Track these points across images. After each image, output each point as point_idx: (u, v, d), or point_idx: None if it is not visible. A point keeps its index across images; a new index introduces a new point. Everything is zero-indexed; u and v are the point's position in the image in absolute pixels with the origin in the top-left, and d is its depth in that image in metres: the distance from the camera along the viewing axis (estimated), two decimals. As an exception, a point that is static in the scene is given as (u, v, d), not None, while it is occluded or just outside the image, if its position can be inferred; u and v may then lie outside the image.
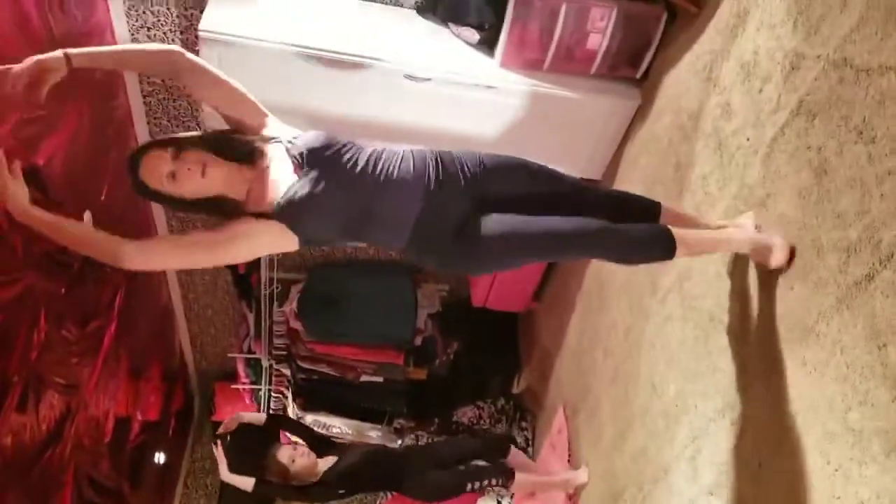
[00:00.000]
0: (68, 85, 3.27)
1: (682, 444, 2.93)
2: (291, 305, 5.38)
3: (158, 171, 2.10)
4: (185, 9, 3.80)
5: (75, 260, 3.37)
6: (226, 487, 6.77)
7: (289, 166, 2.26)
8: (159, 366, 5.66)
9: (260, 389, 5.88)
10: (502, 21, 3.51)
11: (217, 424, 4.14)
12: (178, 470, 6.88)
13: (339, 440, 4.00)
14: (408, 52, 3.58)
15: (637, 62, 3.63)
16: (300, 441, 3.96)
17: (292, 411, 5.59)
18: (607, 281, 3.99)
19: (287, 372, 5.67)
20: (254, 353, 5.76)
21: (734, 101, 2.80)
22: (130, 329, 4.61)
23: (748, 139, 2.66)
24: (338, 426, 5.56)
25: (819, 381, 2.14)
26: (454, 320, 5.72)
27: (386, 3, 3.90)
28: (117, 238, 2.12)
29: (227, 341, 6.38)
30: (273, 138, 2.30)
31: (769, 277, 2.44)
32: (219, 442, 3.78)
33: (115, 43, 3.82)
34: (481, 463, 4.16)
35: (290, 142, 2.29)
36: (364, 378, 5.54)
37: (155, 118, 4.35)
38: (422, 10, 3.87)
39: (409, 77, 3.53)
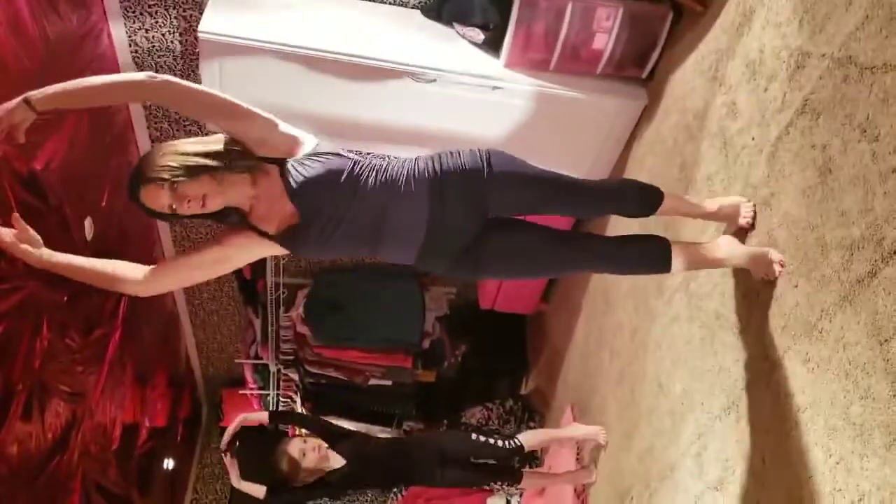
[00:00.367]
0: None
1: (689, 442, 2.94)
2: (298, 310, 5.37)
3: (159, 202, 2.08)
4: (184, 10, 3.76)
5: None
6: (235, 494, 6.81)
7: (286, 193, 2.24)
8: (166, 372, 5.67)
9: (268, 395, 5.88)
10: (507, 21, 3.49)
11: (225, 430, 4.15)
12: (187, 476, 6.89)
13: (348, 430, 3.94)
14: (412, 52, 3.55)
15: (643, 62, 3.61)
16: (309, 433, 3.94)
17: (301, 416, 5.59)
18: (614, 283, 3.98)
19: (295, 376, 5.68)
20: (261, 358, 5.76)
21: (740, 101, 2.78)
22: (135, 336, 4.61)
23: (753, 138, 2.65)
24: (347, 430, 5.56)
25: (822, 377, 2.16)
26: (462, 323, 5.73)
27: (389, 3, 3.87)
28: (130, 269, 2.21)
29: (234, 347, 6.39)
30: (275, 160, 2.22)
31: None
32: (227, 451, 3.77)
33: (113, 46, 3.81)
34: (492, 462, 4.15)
35: (294, 165, 2.22)
36: (372, 381, 5.54)
37: (156, 122, 4.33)
38: (426, 10, 3.85)
39: (414, 78, 3.52)
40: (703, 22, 3.18)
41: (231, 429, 3.83)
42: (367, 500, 7.09)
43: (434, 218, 2.33)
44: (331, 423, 3.97)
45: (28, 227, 2.09)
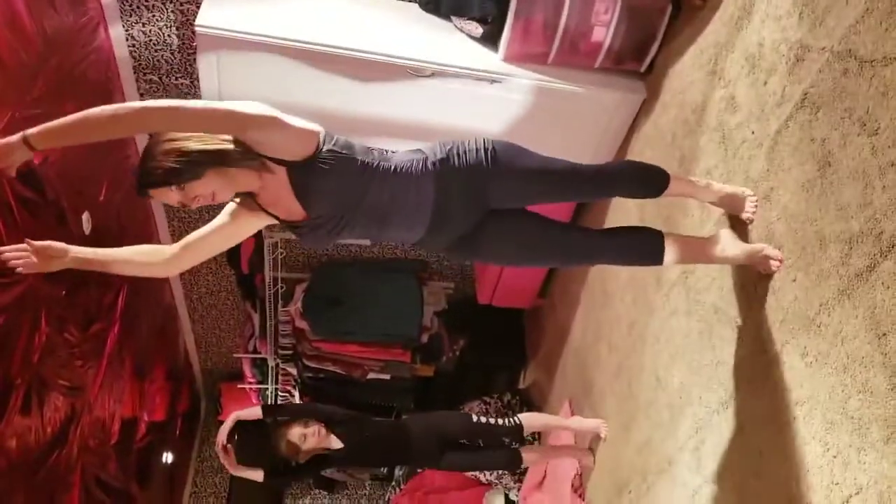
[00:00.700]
0: (65, 85, 3.29)
1: (686, 435, 2.95)
2: (296, 305, 5.37)
3: (169, 201, 2.11)
4: (181, 3, 3.74)
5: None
6: (234, 487, 6.82)
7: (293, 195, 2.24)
8: (164, 367, 5.67)
9: (266, 389, 5.88)
10: (505, 14, 3.47)
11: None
12: (186, 470, 6.91)
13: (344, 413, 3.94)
14: (410, 47, 3.53)
15: (642, 55, 3.59)
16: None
17: (300, 410, 5.59)
18: (611, 277, 3.98)
19: (293, 371, 5.67)
20: (259, 352, 5.75)
21: (739, 94, 2.78)
22: (134, 331, 4.61)
23: (753, 132, 2.65)
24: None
25: (820, 371, 2.17)
26: (460, 317, 5.73)
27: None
28: (153, 252, 2.28)
29: (233, 341, 6.38)
30: (282, 161, 2.17)
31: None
32: (224, 447, 3.76)
33: (110, 40, 3.79)
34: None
35: (305, 170, 2.17)
36: (371, 376, 5.54)
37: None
38: (424, 3, 3.83)
39: (412, 72, 3.51)
40: (702, 15, 3.17)
41: (225, 426, 3.81)
42: (364, 495, 7.11)
43: (439, 203, 2.35)
44: (325, 407, 3.94)
45: (45, 244, 2.09)
